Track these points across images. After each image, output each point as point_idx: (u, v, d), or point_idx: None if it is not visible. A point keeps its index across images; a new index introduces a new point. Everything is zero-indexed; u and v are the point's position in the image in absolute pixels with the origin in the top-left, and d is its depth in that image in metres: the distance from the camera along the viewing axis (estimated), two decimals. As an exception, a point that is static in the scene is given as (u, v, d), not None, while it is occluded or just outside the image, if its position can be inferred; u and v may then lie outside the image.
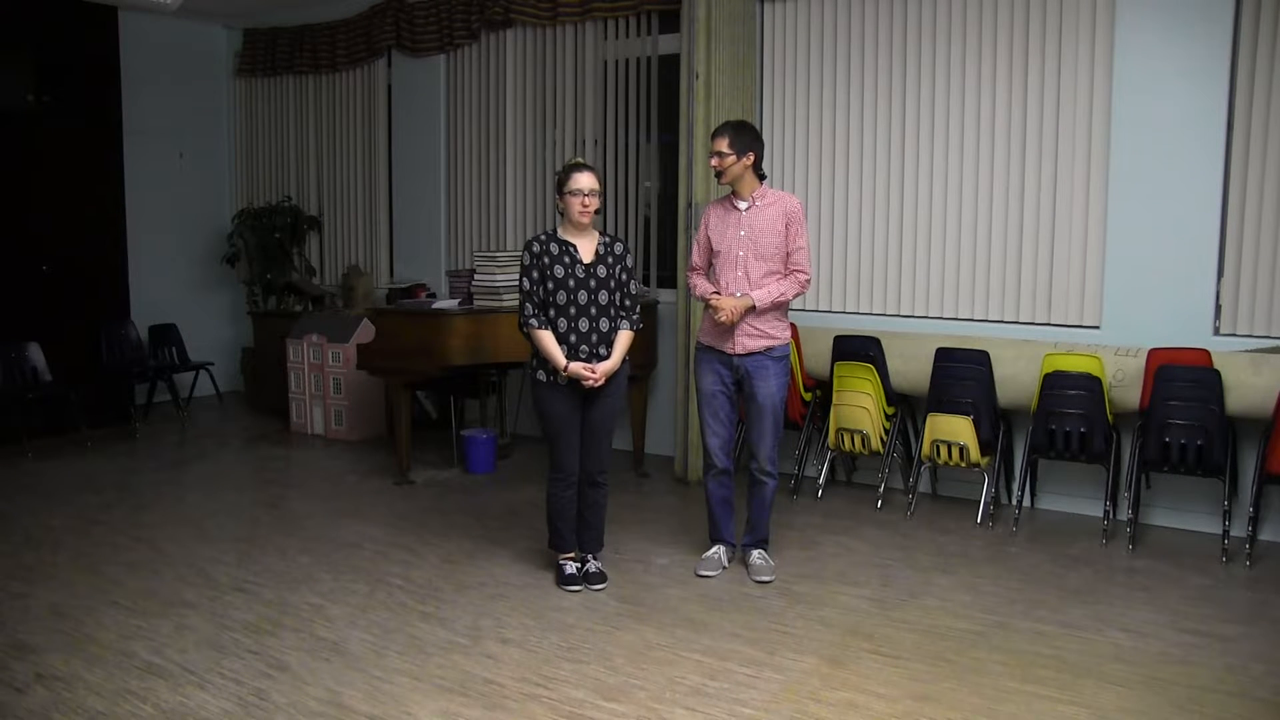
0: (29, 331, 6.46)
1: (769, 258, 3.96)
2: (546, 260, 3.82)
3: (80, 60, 6.76)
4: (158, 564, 4.25)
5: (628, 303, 3.98)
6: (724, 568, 4.16)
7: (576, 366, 3.79)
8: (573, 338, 3.83)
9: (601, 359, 3.86)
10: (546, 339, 3.81)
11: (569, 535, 4.03)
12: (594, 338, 3.85)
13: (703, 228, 4.11)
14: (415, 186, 7.28)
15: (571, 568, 4.02)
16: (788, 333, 4.06)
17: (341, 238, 7.83)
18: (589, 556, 4.08)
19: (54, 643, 3.46)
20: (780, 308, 4.01)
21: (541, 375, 3.87)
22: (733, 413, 4.13)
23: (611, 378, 3.90)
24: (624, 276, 3.95)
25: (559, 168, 3.91)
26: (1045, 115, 4.92)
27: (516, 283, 4.04)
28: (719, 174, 3.98)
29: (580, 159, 3.91)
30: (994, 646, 3.41)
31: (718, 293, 3.99)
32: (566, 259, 3.83)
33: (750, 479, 4.12)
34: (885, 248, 5.42)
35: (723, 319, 3.91)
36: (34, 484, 5.55)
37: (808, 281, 4.00)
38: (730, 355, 4.01)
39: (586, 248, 3.88)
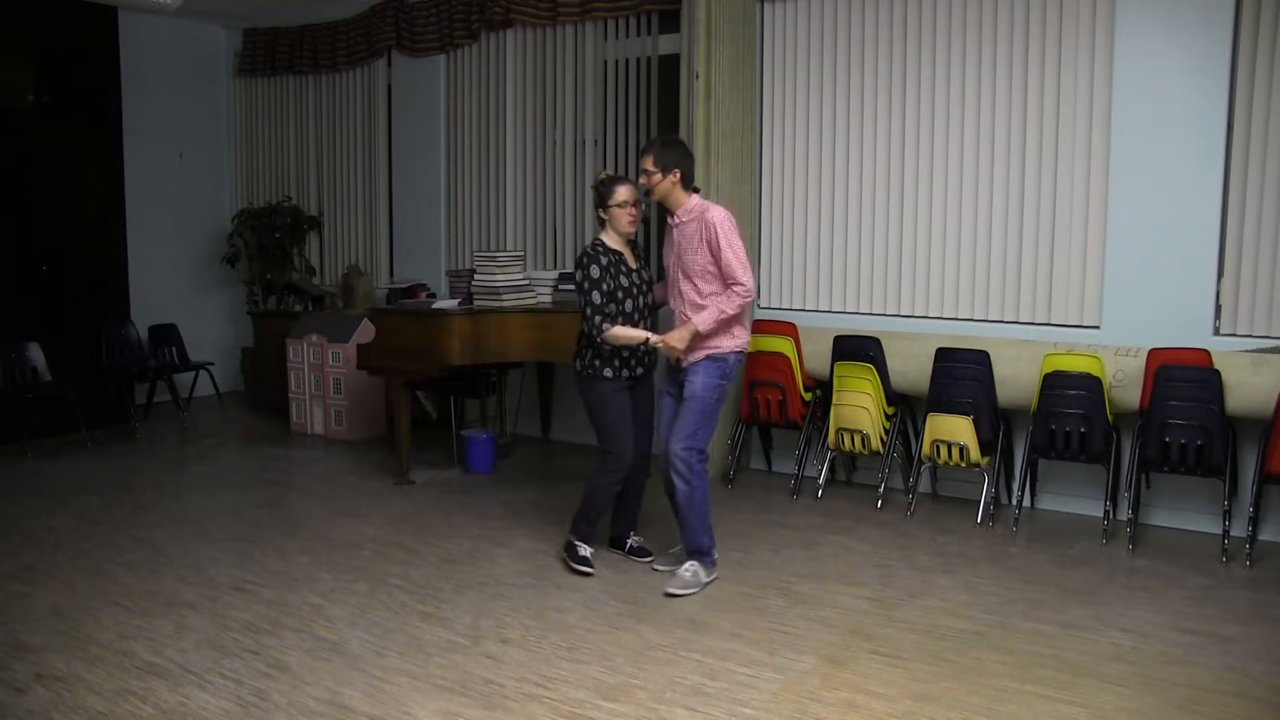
0: (29, 331, 6.46)
1: (697, 275, 3.86)
2: (613, 271, 3.92)
3: (80, 60, 6.76)
4: (158, 564, 4.25)
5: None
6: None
7: (659, 338, 3.89)
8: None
9: (649, 354, 4.06)
10: (621, 330, 3.89)
11: (597, 528, 4.13)
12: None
13: None
14: (415, 186, 7.28)
15: (586, 550, 4.09)
16: (735, 341, 3.93)
17: (341, 238, 7.83)
18: (631, 533, 4.30)
19: (54, 643, 3.45)
20: (729, 325, 3.89)
21: (608, 373, 3.96)
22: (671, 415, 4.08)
23: (650, 366, 4.13)
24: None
25: (595, 182, 4.05)
26: (1045, 115, 4.92)
27: (577, 288, 3.98)
28: (648, 192, 3.97)
29: (610, 171, 3.99)
30: (994, 646, 3.41)
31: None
32: (624, 268, 3.98)
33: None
34: (885, 248, 5.42)
35: (674, 357, 3.90)
36: (34, 484, 5.55)
37: (747, 292, 3.80)
38: (679, 364, 4.02)
39: (629, 254, 4.04)
